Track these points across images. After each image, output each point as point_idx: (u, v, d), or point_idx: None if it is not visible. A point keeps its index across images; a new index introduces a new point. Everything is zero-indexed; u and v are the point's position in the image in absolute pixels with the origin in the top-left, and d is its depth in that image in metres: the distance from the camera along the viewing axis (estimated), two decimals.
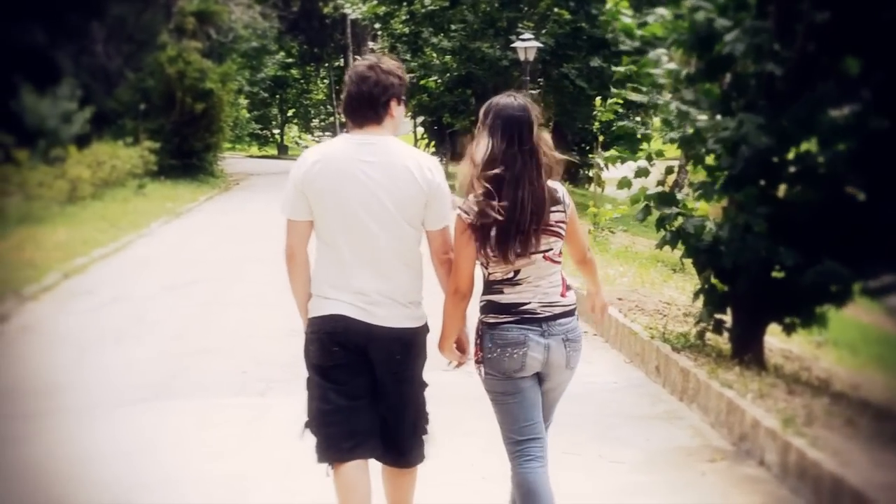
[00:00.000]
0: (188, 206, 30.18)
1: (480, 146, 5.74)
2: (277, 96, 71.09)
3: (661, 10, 10.67)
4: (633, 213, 11.24)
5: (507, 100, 5.79)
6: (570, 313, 5.86)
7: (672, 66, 10.64)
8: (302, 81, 70.66)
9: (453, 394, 8.41)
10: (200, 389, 10.39)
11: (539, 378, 5.91)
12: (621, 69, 11.70)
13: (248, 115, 64.24)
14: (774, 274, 10.12)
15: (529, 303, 5.78)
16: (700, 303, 10.73)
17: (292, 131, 74.01)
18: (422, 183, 5.79)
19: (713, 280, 10.49)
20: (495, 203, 5.60)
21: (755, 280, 10.07)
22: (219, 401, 9.95)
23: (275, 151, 69.01)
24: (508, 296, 5.80)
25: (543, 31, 33.88)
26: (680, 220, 10.47)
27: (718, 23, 9.93)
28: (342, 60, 68.29)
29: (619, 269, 16.56)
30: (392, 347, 5.87)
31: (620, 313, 12.53)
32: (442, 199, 5.88)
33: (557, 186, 5.81)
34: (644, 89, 11.01)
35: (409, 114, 57.08)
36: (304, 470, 7.68)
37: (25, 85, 26.67)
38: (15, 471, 8.08)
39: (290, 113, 72.97)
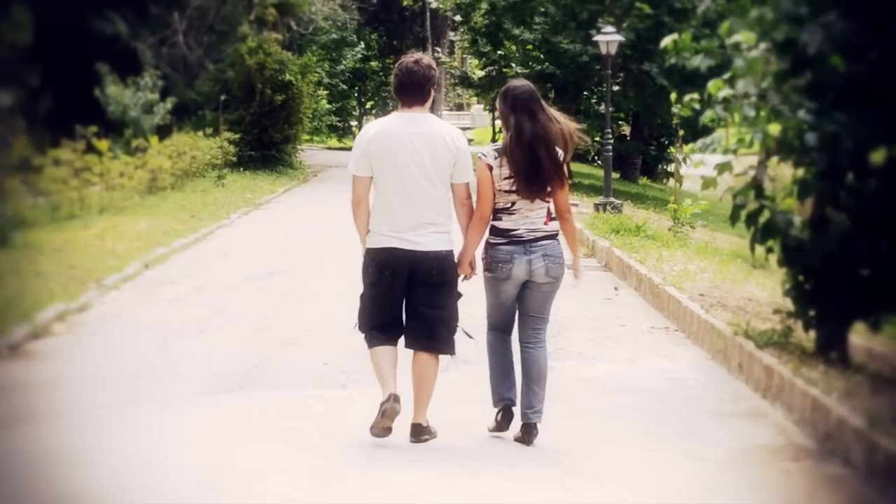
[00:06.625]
0: (267, 198, 30.24)
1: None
2: (356, 88, 71.11)
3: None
4: (712, 210, 11.12)
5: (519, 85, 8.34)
6: (550, 237, 8.25)
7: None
8: (381, 73, 70.40)
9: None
10: (282, 381, 10.45)
11: (527, 284, 8.25)
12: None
13: (327, 107, 64.32)
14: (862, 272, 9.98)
15: (518, 229, 8.20)
16: (787, 299, 10.57)
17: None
18: (452, 149, 8.07)
19: (800, 277, 10.34)
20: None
21: (843, 277, 9.92)
22: (301, 392, 10.01)
23: (353, 144, 69.16)
24: (504, 223, 8.22)
25: (624, 26, 33.66)
26: (766, 213, 10.29)
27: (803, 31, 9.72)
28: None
29: (699, 264, 16.41)
30: (430, 265, 8.08)
31: (703, 309, 12.44)
32: (465, 161, 8.15)
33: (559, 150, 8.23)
34: (729, 92, 10.67)
35: (488, 107, 57.02)
36: (388, 463, 7.78)
37: (110, 75, 26.92)
38: (99, 458, 8.14)
39: (368, 105, 72.81)
